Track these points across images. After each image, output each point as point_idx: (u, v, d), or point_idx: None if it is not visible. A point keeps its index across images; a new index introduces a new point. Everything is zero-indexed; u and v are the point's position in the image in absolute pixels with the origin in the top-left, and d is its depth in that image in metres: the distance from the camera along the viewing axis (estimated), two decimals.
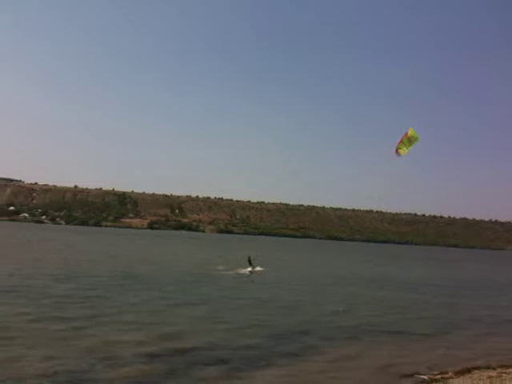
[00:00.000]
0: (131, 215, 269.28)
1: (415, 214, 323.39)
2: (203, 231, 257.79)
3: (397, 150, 20.54)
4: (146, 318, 21.04)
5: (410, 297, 34.74)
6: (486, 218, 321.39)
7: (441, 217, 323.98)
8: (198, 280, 36.78)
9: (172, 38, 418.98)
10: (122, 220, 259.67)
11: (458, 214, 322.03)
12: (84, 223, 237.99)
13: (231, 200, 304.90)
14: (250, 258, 48.76)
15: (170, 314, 22.70)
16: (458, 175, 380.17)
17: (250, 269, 46.80)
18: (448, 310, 29.24)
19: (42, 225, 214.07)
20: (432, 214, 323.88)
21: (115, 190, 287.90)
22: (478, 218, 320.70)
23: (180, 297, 27.78)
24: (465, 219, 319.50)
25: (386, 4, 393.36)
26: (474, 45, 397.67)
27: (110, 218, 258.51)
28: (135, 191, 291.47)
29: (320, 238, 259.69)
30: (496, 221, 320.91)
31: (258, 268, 47.61)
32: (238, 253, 72.76)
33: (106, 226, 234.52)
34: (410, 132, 20.08)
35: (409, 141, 20.06)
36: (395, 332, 21.79)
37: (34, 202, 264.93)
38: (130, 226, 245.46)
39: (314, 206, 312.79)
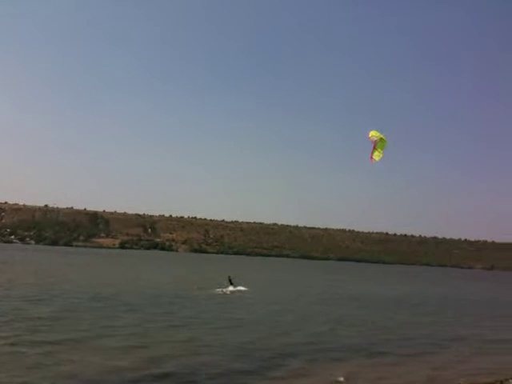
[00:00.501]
0: (102, 235, 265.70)
1: (387, 233, 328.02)
2: (176, 251, 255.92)
3: (371, 158, 20.06)
4: (126, 342, 20.98)
5: (392, 316, 35.33)
6: (456, 237, 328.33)
7: (412, 236, 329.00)
8: (176, 301, 36.62)
9: (146, 50, 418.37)
10: (93, 240, 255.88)
11: (428, 234, 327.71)
12: (54, 243, 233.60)
13: (205, 219, 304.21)
14: (230, 277, 49.01)
15: (150, 337, 22.54)
16: (428, 195, 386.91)
17: (231, 288, 46.83)
18: (430, 330, 29.85)
19: (11, 245, 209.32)
20: (403, 233, 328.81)
21: (86, 209, 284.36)
22: (447, 237, 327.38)
23: (160, 319, 27.58)
24: (435, 238, 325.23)
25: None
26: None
27: (81, 237, 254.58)
28: (107, 210, 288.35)
29: (294, 257, 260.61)
30: (465, 240, 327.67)
31: (240, 287, 47.69)
32: (215, 272, 73.69)
33: (76, 246, 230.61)
34: (374, 133, 19.90)
35: (381, 142, 19.91)
36: (380, 353, 22.16)
37: (3, 221, 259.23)
38: (101, 246, 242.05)
39: (287, 225, 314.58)
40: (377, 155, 19.92)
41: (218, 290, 45.81)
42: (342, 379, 16.80)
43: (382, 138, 19.98)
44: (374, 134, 19.98)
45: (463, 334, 28.74)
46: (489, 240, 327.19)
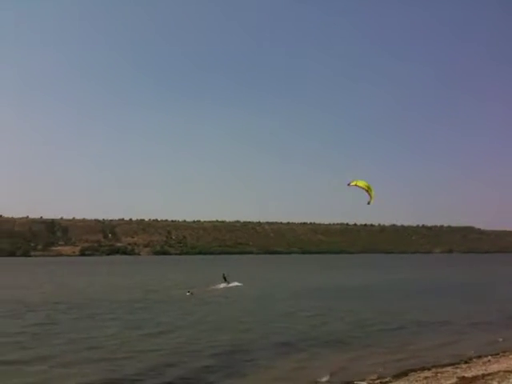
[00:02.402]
0: (61, 243, 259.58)
1: (347, 224, 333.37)
2: (138, 254, 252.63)
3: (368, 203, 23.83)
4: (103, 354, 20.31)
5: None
6: (414, 224, 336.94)
7: (371, 225, 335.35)
8: (155, 305, 36.03)
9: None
10: (52, 248, 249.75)
11: (387, 222, 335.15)
12: (11, 254, 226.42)
13: (166, 221, 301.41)
14: (224, 275, 53.57)
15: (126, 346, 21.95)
16: (384, 183, 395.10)
17: (225, 284, 51.54)
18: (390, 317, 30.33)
19: None
20: (363, 222, 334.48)
21: (43, 217, 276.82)
22: (406, 224, 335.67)
23: (140, 325, 27.08)
24: (394, 226, 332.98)
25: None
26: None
27: (39, 247, 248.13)
28: (64, 218, 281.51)
29: (258, 253, 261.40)
30: (423, 225, 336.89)
31: (236, 283, 52.20)
32: (190, 274, 75.49)
33: (34, 256, 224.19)
34: (359, 184, 22.79)
35: (370, 190, 22.98)
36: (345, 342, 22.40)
37: None
38: (60, 254, 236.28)
39: (249, 222, 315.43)
40: (372, 201, 23.85)
41: (214, 286, 49.88)
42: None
43: (369, 187, 23.64)
44: (357, 184, 23.53)
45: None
46: (445, 224, 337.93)
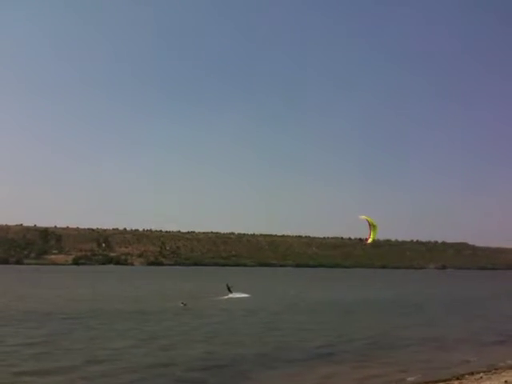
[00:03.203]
0: (55, 251, 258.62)
1: (342, 238, 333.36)
2: (132, 264, 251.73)
3: (367, 240, 25.65)
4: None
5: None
6: (408, 239, 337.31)
7: (366, 239, 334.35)
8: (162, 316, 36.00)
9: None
10: (45, 257, 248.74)
11: (381, 236, 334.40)
12: (4, 261, 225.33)
13: (160, 231, 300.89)
14: (228, 285, 54.30)
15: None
16: (378, 197, 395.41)
17: (230, 295, 52.36)
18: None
19: None
20: (358, 236, 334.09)
21: (37, 225, 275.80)
22: (400, 239, 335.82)
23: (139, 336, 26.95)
24: (388, 241, 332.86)
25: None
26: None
27: (32, 255, 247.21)
28: (58, 226, 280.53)
29: (252, 266, 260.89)
30: (417, 241, 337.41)
31: (242, 294, 53.32)
32: (185, 284, 76.07)
33: (28, 264, 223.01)
34: (368, 219, 23.81)
35: (374, 229, 23.92)
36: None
37: None
38: (53, 263, 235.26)
39: (244, 234, 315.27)
40: (370, 240, 25.38)
41: (220, 297, 50.94)
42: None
43: (374, 226, 24.96)
44: (365, 219, 25.10)
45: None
46: (439, 240, 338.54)
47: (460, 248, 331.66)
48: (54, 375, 17.83)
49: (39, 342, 24.24)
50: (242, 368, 19.60)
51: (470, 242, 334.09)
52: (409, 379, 18.12)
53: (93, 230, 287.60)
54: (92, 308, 40.55)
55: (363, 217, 24.68)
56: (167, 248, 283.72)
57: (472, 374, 19.29)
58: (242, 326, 31.78)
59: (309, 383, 17.60)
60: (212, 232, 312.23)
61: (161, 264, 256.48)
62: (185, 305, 42.86)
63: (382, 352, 23.57)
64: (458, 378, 18.42)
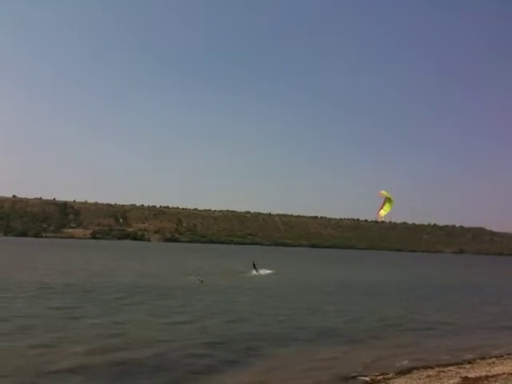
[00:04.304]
0: (73, 225, 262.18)
1: (358, 220, 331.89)
2: (148, 240, 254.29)
3: (378, 213, 23.94)
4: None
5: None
6: (425, 222, 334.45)
7: (382, 221, 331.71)
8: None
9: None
10: (64, 230, 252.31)
11: (398, 219, 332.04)
12: (23, 234, 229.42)
13: (177, 208, 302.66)
14: (254, 262, 58.06)
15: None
16: (397, 180, 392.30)
17: (254, 272, 55.64)
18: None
19: None
20: (374, 219, 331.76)
21: (56, 199, 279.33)
22: (417, 222, 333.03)
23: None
24: (405, 223, 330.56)
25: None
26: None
27: (51, 228, 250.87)
28: (77, 200, 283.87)
29: (267, 245, 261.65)
30: (435, 224, 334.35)
31: (266, 271, 57.14)
32: (213, 261, 78.74)
33: (46, 237, 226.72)
34: (385, 193, 22.86)
35: (389, 202, 22.73)
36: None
37: None
38: (72, 237, 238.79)
39: (260, 213, 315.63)
40: (383, 213, 23.72)
41: (247, 273, 54.31)
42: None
43: (389, 198, 23.54)
44: (384, 194, 23.61)
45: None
46: (457, 225, 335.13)
47: (478, 233, 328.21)
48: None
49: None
50: (254, 344, 19.57)
51: (488, 228, 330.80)
52: (419, 362, 17.91)
53: (111, 205, 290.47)
54: (145, 283, 40.85)
55: (383, 192, 23.94)
56: (184, 225, 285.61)
57: (484, 358, 19.03)
58: (263, 304, 31.79)
59: (318, 363, 17.48)
60: (228, 210, 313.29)
61: (177, 240, 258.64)
62: (202, 281, 42.78)
63: (395, 334, 23.35)
64: (469, 362, 18.18)
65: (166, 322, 23.49)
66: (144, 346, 18.38)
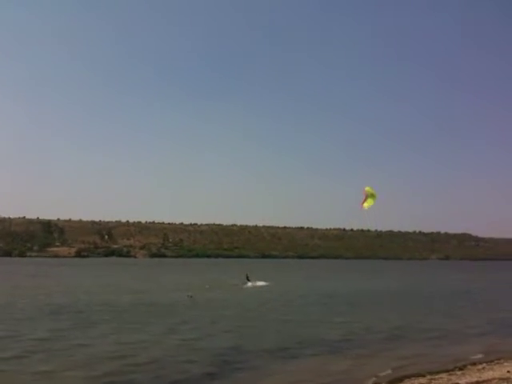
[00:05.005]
0: (57, 244, 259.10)
1: (344, 229, 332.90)
2: (135, 257, 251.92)
3: (361, 205, 24.79)
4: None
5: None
6: (410, 230, 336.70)
7: (368, 230, 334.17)
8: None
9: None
10: (48, 249, 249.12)
11: (383, 227, 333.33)
12: (7, 254, 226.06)
13: (163, 223, 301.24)
14: (247, 275, 59.74)
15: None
16: (382, 188, 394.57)
17: (250, 284, 56.71)
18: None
19: None
20: (360, 228, 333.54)
21: (40, 218, 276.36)
22: (402, 230, 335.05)
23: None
24: (390, 231, 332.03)
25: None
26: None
27: (35, 247, 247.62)
28: (61, 219, 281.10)
29: (254, 257, 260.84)
30: (420, 232, 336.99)
31: (261, 283, 57.81)
32: (203, 276, 78.25)
33: (30, 257, 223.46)
34: (369, 189, 24.04)
35: (372, 197, 24.61)
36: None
37: None
38: (56, 255, 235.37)
39: (246, 226, 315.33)
40: (366, 205, 24.73)
41: (242, 285, 55.58)
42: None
43: (373, 194, 24.81)
44: (368, 190, 24.85)
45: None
46: (442, 231, 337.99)
47: (463, 239, 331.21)
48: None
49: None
50: (252, 360, 19.48)
51: (473, 233, 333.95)
52: (411, 371, 18.03)
53: (95, 222, 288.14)
54: (124, 301, 40.48)
55: (367, 189, 24.91)
56: (170, 240, 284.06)
57: (474, 364, 19.25)
58: (261, 316, 31.73)
59: (320, 379, 17.44)
60: (214, 224, 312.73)
61: (163, 256, 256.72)
62: (191, 297, 42.50)
63: (390, 344, 23.44)
64: (460, 369, 18.39)
65: (158, 341, 23.25)
66: (139, 367, 18.18)
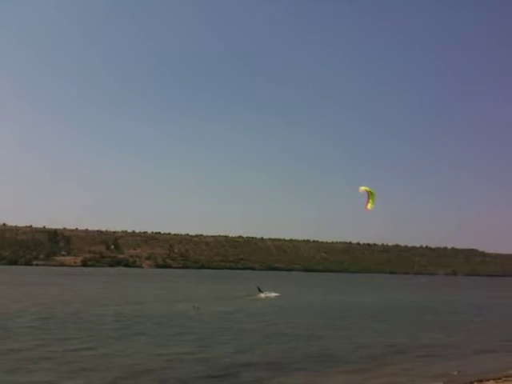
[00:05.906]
0: (63, 253, 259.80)
1: (350, 243, 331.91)
2: (140, 267, 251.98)
3: (366, 208, 25.78)
4: None
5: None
6: (417, 245, 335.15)
7: (374, 244, 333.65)
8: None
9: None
10: (54, 258, 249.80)
11: (390, 242, 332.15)
12: (13, 263, 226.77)
13: (169, 234, 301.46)
14: (258, 287, 60.57)
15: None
16: (388, 202, 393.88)
17: (263, 295, 57.73)
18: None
19: None
20: (366, 242, 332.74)
21: (46, 227, 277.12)
22: (409, 244, 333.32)
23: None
24: (397, 246, 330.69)
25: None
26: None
27: (41, 256, 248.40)
28: (67, 228, 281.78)
29: (260, 269, 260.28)
30: (426, 246, 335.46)
31: (273, 294, 59.07)
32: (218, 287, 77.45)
33: (36, 265, 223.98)
34: (365, 188, 24.38)
35: (372, 196, 24.77)
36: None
37: None
38: (62, 265, 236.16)
39: (252, 238, 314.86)
40: (370, 206, 25.65)
41: (256, 296, 56.60)
42: None
43: (371, 192, 25.57)
44: (364, 189, 25.71)
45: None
46: (448, 246, 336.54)
47: (470, 254, 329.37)
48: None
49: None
50: (258, 374, 19.02)
51: (480, 249, 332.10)
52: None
53: (101, 231, 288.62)
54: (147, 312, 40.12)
55: (362, 188, 25.38)
56: (175, 251, 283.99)
57: (481, 381, 18.78)
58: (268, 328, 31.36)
59: None
60: (220, 235, 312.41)
61: (169, 267, 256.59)
62: (198, 308, 41.95)
63: (399, 359, 22.95)
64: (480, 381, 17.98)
65: (165, 353, 22.56)
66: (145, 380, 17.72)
